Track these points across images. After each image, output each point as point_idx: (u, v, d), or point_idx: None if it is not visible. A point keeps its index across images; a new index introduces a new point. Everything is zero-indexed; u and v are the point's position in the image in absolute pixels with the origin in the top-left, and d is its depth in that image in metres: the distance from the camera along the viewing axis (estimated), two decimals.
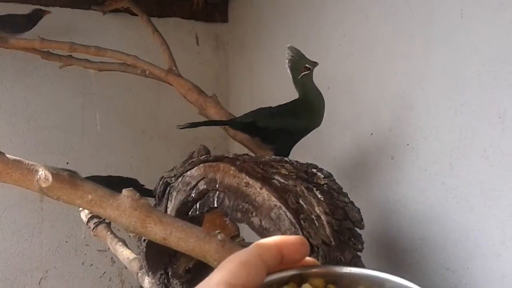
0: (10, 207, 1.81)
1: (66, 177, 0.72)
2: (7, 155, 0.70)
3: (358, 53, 1.30)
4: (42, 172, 0.72)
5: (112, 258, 1.92)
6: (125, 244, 1.23)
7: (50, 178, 0.71)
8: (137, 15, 1.63)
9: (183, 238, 0.72)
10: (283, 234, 0.81)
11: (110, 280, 1.97)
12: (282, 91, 1.68)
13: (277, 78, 1.73)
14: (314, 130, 1.12)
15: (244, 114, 1.16)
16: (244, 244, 1.19)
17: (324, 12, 1.44)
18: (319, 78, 1.43)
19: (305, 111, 1.09)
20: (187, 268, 1.03)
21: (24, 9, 1.72)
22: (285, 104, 1.14)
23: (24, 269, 1.82)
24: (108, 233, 1.30)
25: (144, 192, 0.83)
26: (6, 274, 1.80)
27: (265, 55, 1.84)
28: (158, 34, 1.48)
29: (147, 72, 1.39)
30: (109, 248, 1.33)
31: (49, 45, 1.44)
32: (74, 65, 1.57)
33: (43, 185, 0.71)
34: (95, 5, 1.88)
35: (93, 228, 1.34)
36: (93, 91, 1.91)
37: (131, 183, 1.37)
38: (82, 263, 1.92)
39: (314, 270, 0.31)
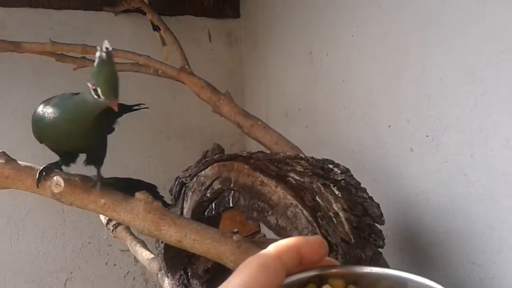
0: (32, 210, 1.84)
1: (78, 182, 0.72)
2: (19, 162, 0.71)
3: (372, 44, 1.27)
4: (54, 178, 0.72)
5: (135, 257, 1.93)
6: (144, 245, 1.24)
7: (62, 184, 0.71)
8: None
9: (198, 240, 0.71)
10: (300, 232, 0.80)
11: (134, 280, 1.99)
12: (297, 85, 1.67)
13: (292, 73, 1.71)
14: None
15: None
16: (265, 241, 1.18)
17: (337, 3, 1.41)
18: (333, 70, 1.41)
19: None
20: (206, 268, 1.02)
21: (36, 14, 1.74)
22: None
23: (49, 271, 1.86)
24: (128, 234, 1.30)
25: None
26: (32, 276, 1.84)
27: (278, 50, 1.82)
28: (170, 33, 1.47)
29: (160, 71, 1.38)
30: None
31: (61, 48, 1.44)
32: (88, 67, 1.57)
33: (55, 191, 0.71)
34: (107, 6, 1.89)
35: (113, 230, 1.34)
36: None
37: (150, 189, 1.32)
38: (106, 263, 1.94)
39: (333, 270, 0.30)
